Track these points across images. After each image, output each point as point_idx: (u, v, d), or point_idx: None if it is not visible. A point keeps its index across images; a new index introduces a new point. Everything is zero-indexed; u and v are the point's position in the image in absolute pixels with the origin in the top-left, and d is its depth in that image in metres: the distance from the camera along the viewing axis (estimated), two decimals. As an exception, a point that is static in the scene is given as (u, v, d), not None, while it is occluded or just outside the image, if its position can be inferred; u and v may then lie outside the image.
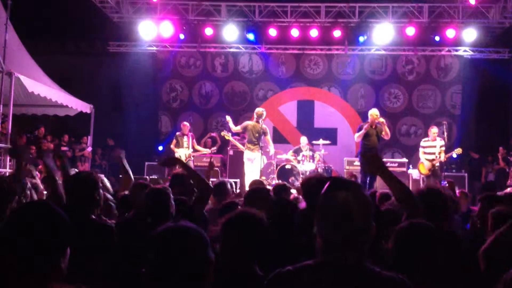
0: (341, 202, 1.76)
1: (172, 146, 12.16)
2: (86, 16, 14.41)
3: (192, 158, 12.02)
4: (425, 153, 11.27)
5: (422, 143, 11.41)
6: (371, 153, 9.78)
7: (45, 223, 1.80)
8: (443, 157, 11.14)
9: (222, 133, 11.83)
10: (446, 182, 8.75)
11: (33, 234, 1.76)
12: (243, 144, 11.01)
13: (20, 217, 1.82)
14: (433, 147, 11.19)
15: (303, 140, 12.67)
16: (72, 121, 13.53)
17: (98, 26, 14.88)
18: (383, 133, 10.44)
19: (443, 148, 11.13)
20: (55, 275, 1.79)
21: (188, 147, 11.94)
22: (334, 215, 1.76)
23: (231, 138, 11.65)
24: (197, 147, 12.29)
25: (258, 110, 10.98)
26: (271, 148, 11.19)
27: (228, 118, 11.20)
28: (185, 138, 12.02)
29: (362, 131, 10.32)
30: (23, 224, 1.78)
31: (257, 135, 10.66)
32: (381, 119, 10.39)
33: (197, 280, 1.73)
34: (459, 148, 11.35)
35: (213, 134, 13.95)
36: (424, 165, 11.23)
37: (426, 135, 11.64)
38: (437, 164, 11.11)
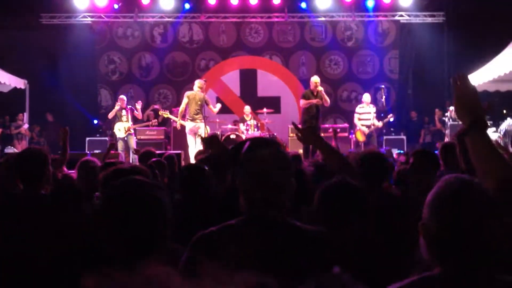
0: (259, 160, 1.81)
1: (109, 115, 11.93)
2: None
3: (132, 131, 11.80)
4: (360, 119, 11.65)
5: (357, 110, 11.77)
6: (310, 122, 10.17)
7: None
8: (380, 124, 11.54)
9: (160, 112, 11.65)
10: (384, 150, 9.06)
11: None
12: (184, 117, 10.84)
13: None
14: (368, 113, 11.56)
15: (247, 109, 12.71)
16: (6, 98, 12.97)
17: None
18: (323, 100, 10.62)
19: (375, 115, 11.54)
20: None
21: (128, 121, 11.73)
22: (253, 172, 1.81)
23: (170, 116, 11.49)
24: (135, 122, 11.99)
25: (200, 81, 10.88)
26: (216, 109, 11.14)
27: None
28: (124, 111, 11.77)
29: (311, 101, 10.47)
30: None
31: (199, 103, 10.58)
32: (320, 88, 10.55)
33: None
34: (391, 114, 11.74)
35: (156, 106, 13.72)
36: (361, 132, 11.60)
37: (373, 101, 11.98)
38: (373, 130, 11.52)
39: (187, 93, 10.79)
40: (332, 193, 2.40)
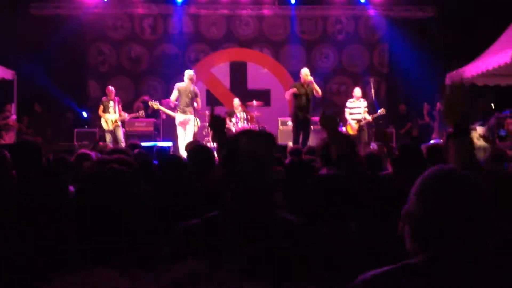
0: (244, 153, 1.81)
1: (100, 111, 11.85)
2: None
3: (120, 124, 11.75)
4: (351, 113, 11.68)
5: (347, 104, 11.80)
6: (297, 114, 10.23)
7: None
8: (370, 118, 11.59)
9: (150, 103, 11.54)
10: (375, 145, 9.10)
11: None
12: (174, 109, 10.77)
13: None
14: (358, 108, 11.61)
15: (236, 102, 12.69)
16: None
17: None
18: (314, 91, 10.64)
19: (366, 109, 11.59)
20: None
21: (115, 112, 11.69)
22: (237, 165, 1.81)
23: (161, 107, 11.33)
24: (122, 113, 11.91)
25: (189, 72, 10.79)
26: (197, 105, 10.93)
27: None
28: (111, 103, 11.75)
29: (290, 91, 10.51)
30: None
31: (190, 95, 10.53)
32: (309, 78, 10.57)
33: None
34: (382, 109, 11.77)
35: (145, 98, 13.66)
36: (352, 126, 11.64)
37: (362, 95, 12.00)
38: (364, 124, 11.56)
39: (178, 85, 10.62)
40: (323, 184, 2.39)
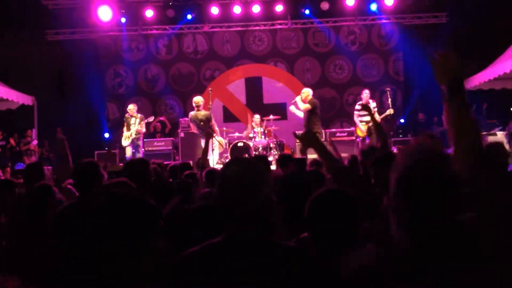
0: (230, 178, 1.83)
1: (124, 128, 12.07)
2: (21, 5, 13.86)
3: (134, 136, 11.88)
4: (359, 115, 11.69)
5: (357, 107, 11.80)
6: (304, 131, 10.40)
7: None
8: (379, 118, 11.54)
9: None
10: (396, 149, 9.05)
11: None
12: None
13: None
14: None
15: (257, 118, 12.76)
16: (14, 115, 13.08)
17: (34, 15, 14.34)
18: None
19: (376, 109, 11.56)
20: None
21: (135, 127, 11.89)
22: (227, 191, 1.83)
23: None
24: (139, 127, 11.97)
25: (195, 99, 11.01)
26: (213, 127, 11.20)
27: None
28: (133, 119, 11.96)
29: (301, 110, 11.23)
30: None
31: (201, 123, 10.71)
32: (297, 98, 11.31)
33: None
34: (390, 109, 11.71)
35: (162, 118, 13.80)
36: (360, 128, 11.66)
37: (379, 104, 12.01)
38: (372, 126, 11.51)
39: (189, 115, 11.05)
40: (323, 201, 2.25)
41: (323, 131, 13.13)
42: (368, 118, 11.48)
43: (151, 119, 12.73)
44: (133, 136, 11.86)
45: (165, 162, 9.42)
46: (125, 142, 11.93)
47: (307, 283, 1.76)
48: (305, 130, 10.76)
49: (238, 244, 1.79)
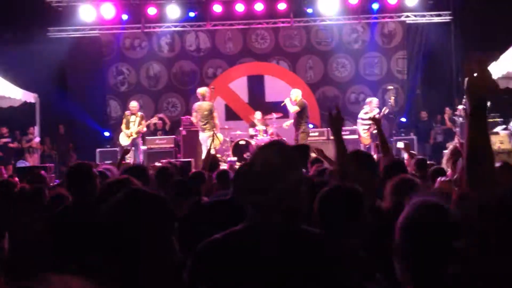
0: (259, 164, 1.79)
1: (122, 126, 11.94)
2: (24, 3, 13.86)
3: (136, 136, 11.79)
4: (363, 124, 11.69)
5: (361, 115, 11.79)
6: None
7: None
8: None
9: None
10: (403, 144, 9.03)
11: None
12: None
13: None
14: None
15: (258, 115, 12.78)
16: (17, 112, 13.10)
17: (37, 12, 14.35)
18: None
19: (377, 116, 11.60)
20: None
21: (135, 126, 11.76)
22: (253, 177, 1.80)
23: None
24: (140, 126, 11.88)
25: (201, 89, 11.23)
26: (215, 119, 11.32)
27: None
28: (133, 117, 11.85)
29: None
30: None
31: (205, 113, 10.80)
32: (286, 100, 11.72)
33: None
34: (385, 107, 11.75)
35: (161, 115, 13.77)
36: (364, 137, 11.71)
37: (381, 103, 12.03)
38: (374, 130, 11.52)
39: (194, 105, 11.26)
40: (331, 198, 2.33)
41: (326, 130, 13.14)
42: (368, 126, 11.59)
43: (155, 120, 12.69)
44: (134, 136, 11.76)
45: (164, 160, 9.42)
46: (124, 141, 11.78)
47: (334, 268, 1.76)
48: (300, 129, 11.45)
49: (262, 231, 1.76)
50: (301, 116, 11.50)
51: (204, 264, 1.77)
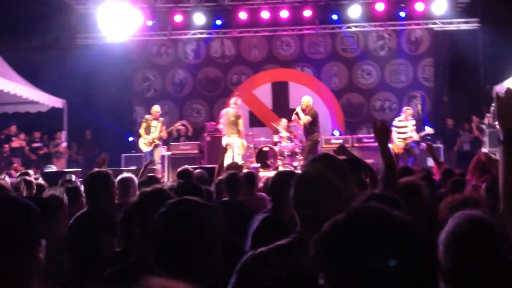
0: (312, 177, 1.76)
1: (140, 130, 11.87)
2: (52, 9, 14.14)
3: (159, 143, 11.79)
4: (398, 132, 11.53)
5: (395, 123, 11.64)
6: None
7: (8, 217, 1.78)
8: (416, 136, 11.42)
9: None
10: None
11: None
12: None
13: None
14: (405, 127, 11.47)
15: (284, 122, 12.75)
16: (45, 117, 13.35)
17: (65, 19, 14.62)
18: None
19: (414, 127, 11.44)
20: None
21: (156, 131, 11.69)
22: (306, 191, 1.76)
23: None
24: (162, 133, 11.80)
25: (233, 99, 11.56)
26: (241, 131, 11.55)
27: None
28: (154, 122, 11.75)
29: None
30: None
31: (232, 119, 10.96)
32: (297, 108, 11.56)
33: None
34: (430, 129, 11.61)
35: (184, 122, 13.83)
36: (397, 145, 11.52)
37: (401, 111, 11.84)
38: (410, 142, 11.41)
39: (222, 111, 11.54)
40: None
41: (350, 137, 13.06)
42: (407, 135, 11.41)
43: (178, 126, 12.73)
44: (156, 142, 11.71)
45: (191, 166, 9.47)
46: (145, 147, 11.68)
47: None
48: (309, 137, 11.43)
49: (307, 245, 1.75)
50: (313, 125, 11.50)
51: (249, 278, 1.75)
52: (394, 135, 11.58)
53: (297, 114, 11.62)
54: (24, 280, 1.74)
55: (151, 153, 11.64)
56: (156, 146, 11.73)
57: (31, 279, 1.77)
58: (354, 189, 1.84)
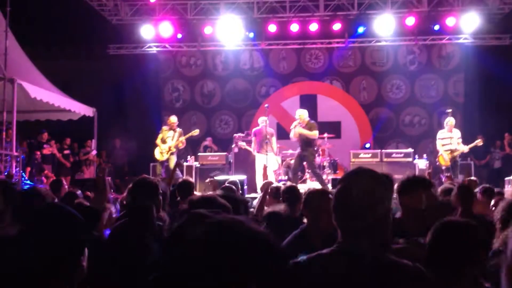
0: (356, 190, 1.78)
1: (157, 141, 11.76)
2: (85, 20, 14.40)
3: (174, 150, 11.67)
4: (443, 144, 11.23)
5: (439, 135, 11.39)
6: (302, 151, 10.18)
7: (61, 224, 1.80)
8: (465, 148, 11.12)
9: (240, 144, 12.09)
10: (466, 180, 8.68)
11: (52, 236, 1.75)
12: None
13: (37, 219, 1.82)
14: (450, 138, 11.17)
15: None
16: (75, 125, 13.52)
17: (97, 29, 14.86)
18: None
19: (460, 140, 11.14)
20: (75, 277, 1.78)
21: (173, 141, 11.61)
22: (345, 204, 1.79)
23: (247, 147, 12.03)
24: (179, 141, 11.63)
25: (262, 118, 11.51)
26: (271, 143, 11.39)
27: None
28: (171, 132, 11.65)
29: (292, 131, 10.54)
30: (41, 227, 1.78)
31: (268, 137, 11.17)
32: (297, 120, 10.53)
33: None
34: (480, 139, 11.29)
35: (206, 143, 13.97)
36: (444, 157, 11.16)
37: (437, 125, 11.63)
38: (458, 155, 11.12)
39: (255, 129, 11.58)
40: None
41: (379, 151, 12.90)
42: (452, 146, 11.11)
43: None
44: (172, 150, 11.60)
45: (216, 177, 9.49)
46: (161, 156, 11.62)
47: None
48: (301, 150, 10.52)
49: (351, 257, 1.76)
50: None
51: (290, 285, 1.75)
52: (440, 148, 11.30)
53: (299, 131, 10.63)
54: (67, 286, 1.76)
55: (166, 161, 11.59)
56: (172, 153, 11.62)
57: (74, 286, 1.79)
58: (391, 204, 1.86)
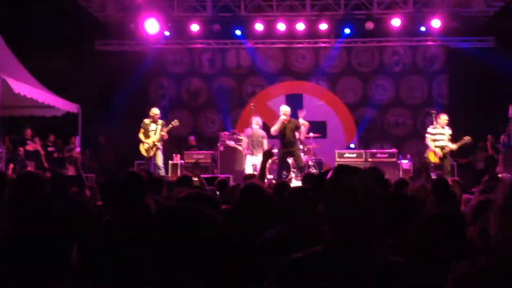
0: (347, 186, 1.79)
1: (139, 135, 11.55)
2: (71, 16, 14.26)
3: (160, 147, 11.52)
4: (435, 140, 11.23)
5: (430, 130, 11.32)
6: (287, 147, 10.35)
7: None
8: (454, 146, 11.16)
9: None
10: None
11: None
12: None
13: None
14: (442, 135, 11.19)
15: (296, 134, 12.70)
16: (59, 122, 13.40)
17: (83, 25, 14.73)
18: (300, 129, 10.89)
19: (450, 137, 11.19)
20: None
21: (156, 134, 11.44)
22: (342, 199, 1.79)
23: (237, 146, 12.21)
24: (162, 133, 11.43)
25: (256, 119, 11.63)
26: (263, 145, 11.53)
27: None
28: (153, 125, 11.46)
29: (276, 126, 10.77)
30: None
31: (260, 139, 11.38)
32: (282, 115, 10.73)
33: None
34: (467, 136, 11.33)
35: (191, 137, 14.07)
36: (435, 153, 11.16)
37: (421, 126, 11.69)
38: (447, 152, 11.17)
39: (247, 131, 11.56)
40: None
41: (364, 151, 12.99)
42: (443, 143, 11.13)
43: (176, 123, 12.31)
44: (157, 145, 11.44)
45: (204, 176, 9.47)
46: (147, 153, 11.45)
47: None
48: (283, 147, 10.75)
49: (343, 253, 1.77)
50: (296, 131, 11.01)
51: (285, 282, 1.78)
52: (431, 143, 11.29)
53: (301, 126, 11.19)
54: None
55: (153, 158, 11.46)
56: (157, 149, 11.46)
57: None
58: (381, 201, 1.88)
